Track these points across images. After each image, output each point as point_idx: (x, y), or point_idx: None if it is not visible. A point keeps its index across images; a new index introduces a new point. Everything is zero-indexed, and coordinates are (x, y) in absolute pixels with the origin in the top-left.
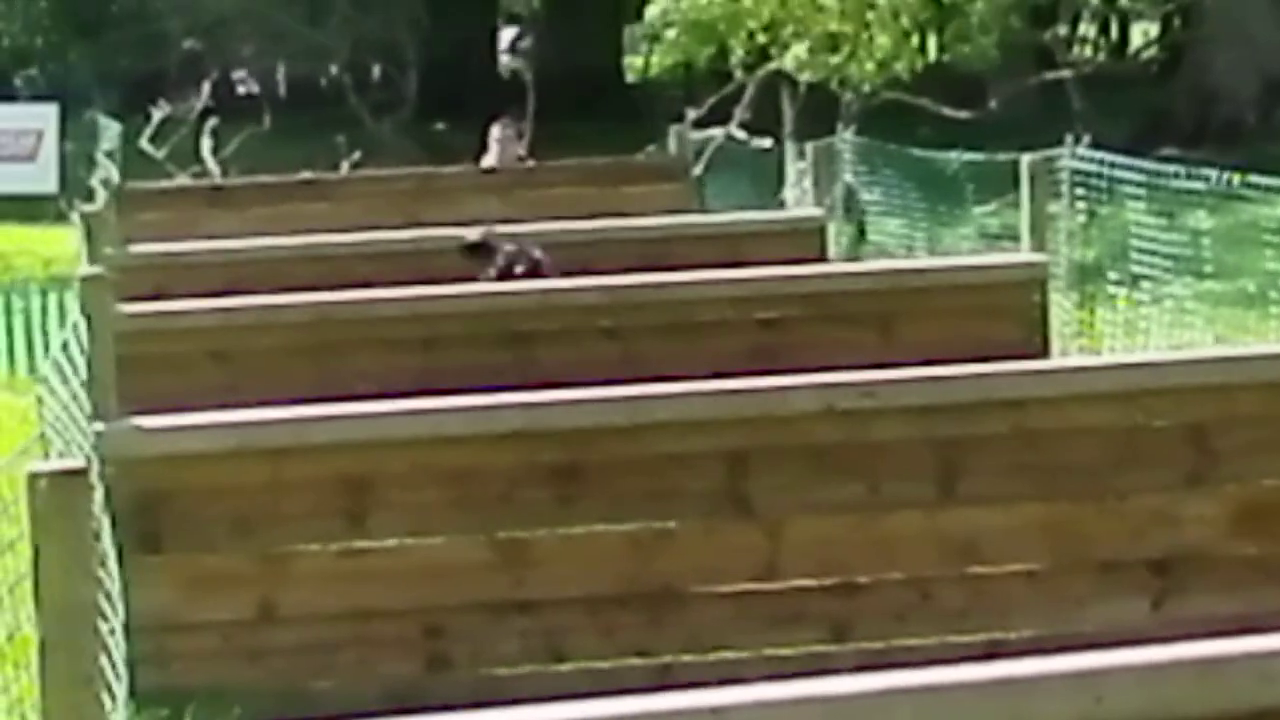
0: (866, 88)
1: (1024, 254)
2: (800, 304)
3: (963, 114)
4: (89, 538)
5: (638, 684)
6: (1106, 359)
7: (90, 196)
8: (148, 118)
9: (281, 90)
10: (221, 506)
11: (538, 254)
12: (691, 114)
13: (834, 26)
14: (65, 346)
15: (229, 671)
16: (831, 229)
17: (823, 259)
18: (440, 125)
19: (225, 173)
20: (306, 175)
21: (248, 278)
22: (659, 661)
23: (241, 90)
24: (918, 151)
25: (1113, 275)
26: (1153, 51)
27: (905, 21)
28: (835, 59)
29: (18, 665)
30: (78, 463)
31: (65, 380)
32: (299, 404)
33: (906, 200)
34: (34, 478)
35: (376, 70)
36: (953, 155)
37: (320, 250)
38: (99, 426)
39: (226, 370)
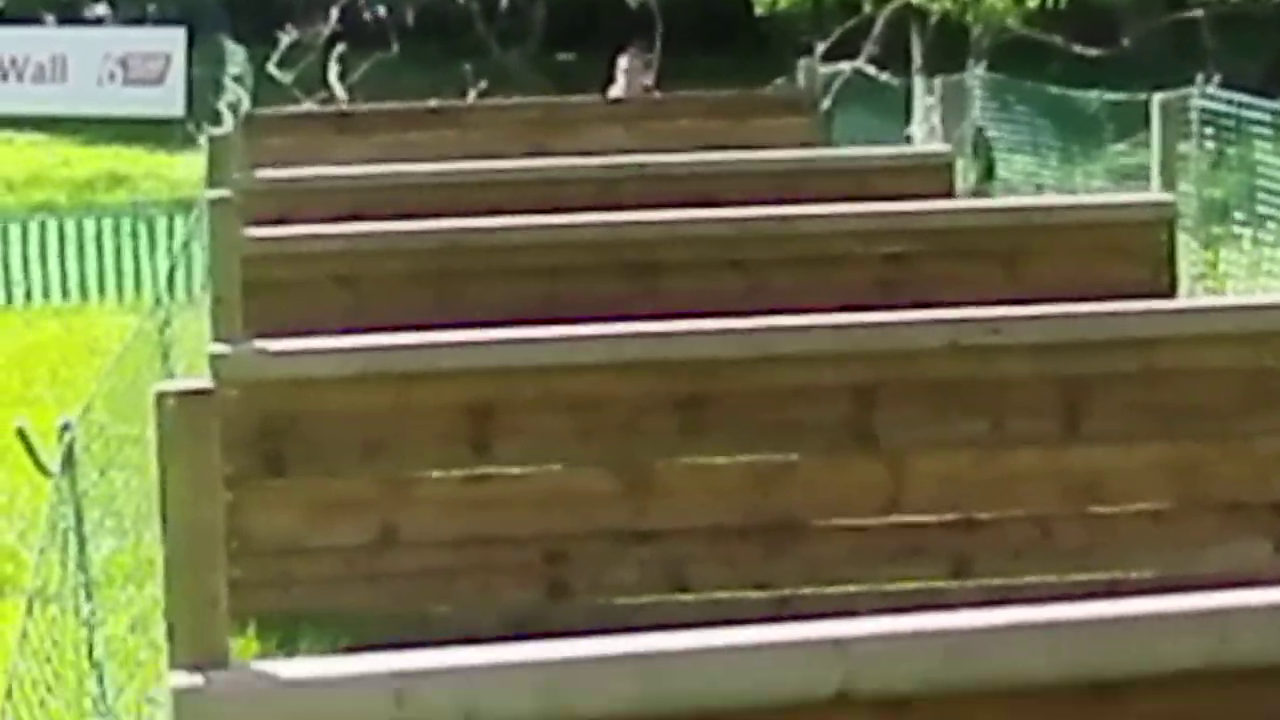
0: (997, 23)
1: (1152, 193)
2: (927, 239)
3: (1094, 51)
4: (215, 458)
5: (757, 615)
6: (1235, 299)
7: (217, 121)
8: (275, 43)
9: (409, 17)
10: (345, 431)
11: None
12: (820, 47)
13: None
14: (189, 270)
15: (349, 596)
16: (959, 165)
17: (950, 195)
18: (567, 55)
19: (352, 99)
20: (433, 103)
21: (373, 204)
22: (778, 594)
23: (369, 16)
24: (1050, 88)
25: (1239, 216)
26: None
27: None
28: None
29: (140, 585)
30: (204, 382)
31: (189, 303)
32: (424, 330)
33: (1036, 137)
34: (161, 397)
35: None
36: (1084, 93)
37: (446, 178)
38: (223, 349)
39: (352, 295)
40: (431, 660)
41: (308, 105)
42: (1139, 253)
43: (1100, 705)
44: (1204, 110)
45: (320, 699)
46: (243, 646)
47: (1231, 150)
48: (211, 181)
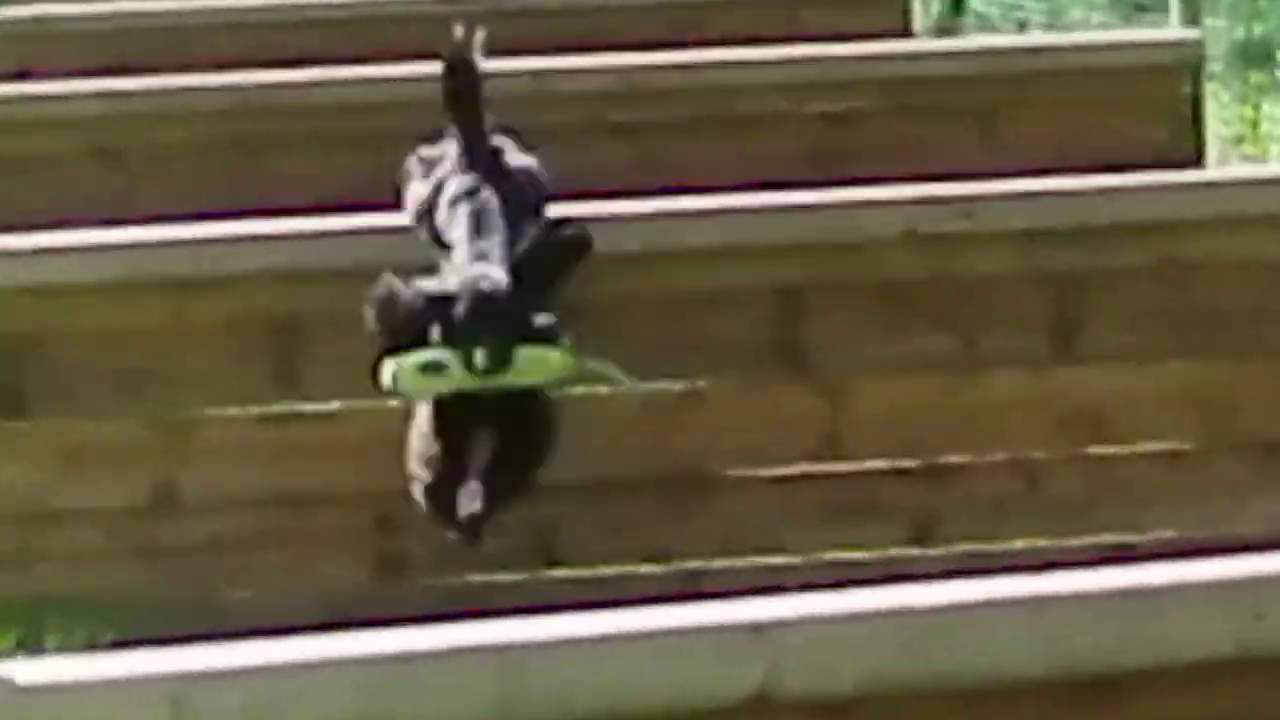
0: None
1: (1171, 29)
2: (876, 93)
3: None
4: None
5: (651, 596)
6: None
7: None
8: None
9: None
10: (108, 356)
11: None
12: None
13: None
14: None
15: (113, 575)
16: None
17: (907, 34)
18: None
19: None
20: None
21: (144, 53)
22: (681, 567)
23: None
24: None
25: None
26: None
27: None
28: None
29: None
30: None
31: None
32: (210, 219)
33: None
34: None
35: None
36: None
37: (241, 17)
38: None
39: (115, 174)
40: (218, 659)
41: None
42: (1154, 109)
43: (1101, 707)
44: None
45: (71, 709)
46: None
47: None
48: None
